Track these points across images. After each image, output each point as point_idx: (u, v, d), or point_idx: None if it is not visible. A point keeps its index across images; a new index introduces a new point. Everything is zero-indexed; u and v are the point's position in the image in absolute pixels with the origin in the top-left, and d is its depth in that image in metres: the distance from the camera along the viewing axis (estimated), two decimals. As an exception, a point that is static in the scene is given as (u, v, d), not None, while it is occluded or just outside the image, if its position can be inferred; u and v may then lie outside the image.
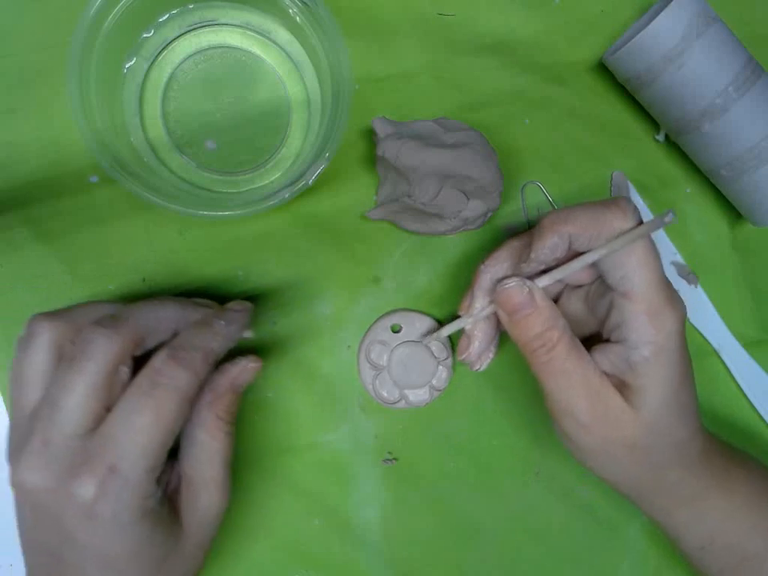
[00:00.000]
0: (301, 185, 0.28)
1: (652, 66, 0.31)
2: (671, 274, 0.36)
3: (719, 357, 0.36)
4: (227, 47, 0.32)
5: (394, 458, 0.34)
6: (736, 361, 0.36)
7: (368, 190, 0.34)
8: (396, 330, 0.34)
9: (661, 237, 0.36)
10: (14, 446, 0.25)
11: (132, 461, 0.22)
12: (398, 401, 0.33)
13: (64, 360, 0.24)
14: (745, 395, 0.36)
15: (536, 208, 0.35)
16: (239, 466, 0.33)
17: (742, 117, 0.31)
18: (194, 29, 0.31)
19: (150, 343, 0.25)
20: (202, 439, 0.26)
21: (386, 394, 0.33)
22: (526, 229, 0.35)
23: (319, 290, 0.33)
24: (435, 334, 0.31)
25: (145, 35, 0.31)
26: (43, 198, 0.32)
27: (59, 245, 0.32)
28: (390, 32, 0.34)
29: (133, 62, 0.31)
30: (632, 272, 0.24)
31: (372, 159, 0.33)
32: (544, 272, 0.26)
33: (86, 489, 0.22)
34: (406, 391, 0.33)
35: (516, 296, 0.26)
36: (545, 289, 0.26)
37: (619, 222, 0.24)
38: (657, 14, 0.32)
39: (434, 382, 0.33)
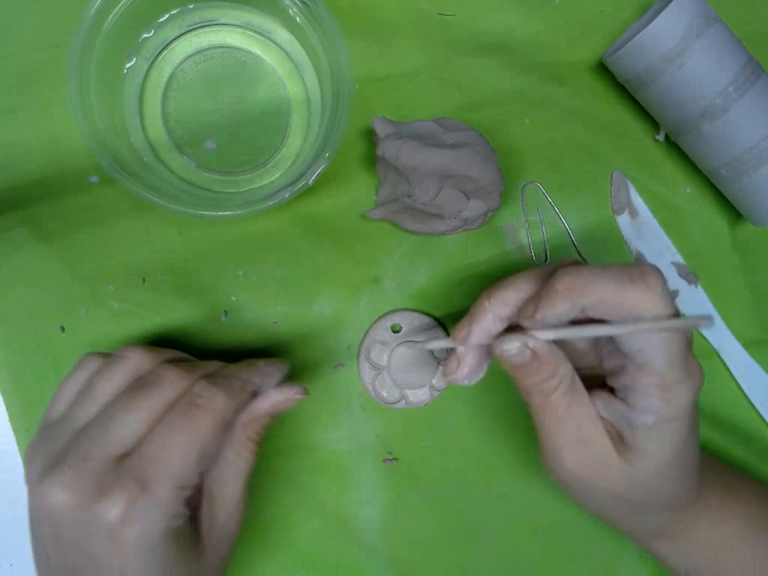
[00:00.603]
0: (301, 185, 0.28)
1: (652, 66, 0.31)
2: (671, 274, 0.36)
3: (719, 357, 0.36)
4: (227, 47, 0.32)
5: (394, 458, 0.34)
6: (736, 361, 0.36)
7: (368, 190, 0.34)
8: (396, 330, 0.34)
9: (661, 237, 0.36)
10: (45, 455, 0.24)
11: (163, 479, 0.22)
12: (398, 401, 0.33)
13: (131, 387, 0.24)
14: (745, 395, 0.36)
15: (536, 208, 0.35)
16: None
17: (742, 117, 0.31)
18: (194, 29, 0.31)
19: None
20: (228, 457, 0.26)
21: (385, 394, 0.33)
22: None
23: (319, 290, 0.33)
24: (425, 343, 0.30)
25: (145, 35, 0.31)
26: (43, 197, 0.32)
27: (59, 245, 0.32)
28: (390, 32, 0.34)
29: (133, 62, 0.31)
30: (652, 348, 0.22)
31: (372, 159, 0.33)
32: None
33: (114, 508, 0.22)
34: (406, 391, 0.33)
35: (518, 358, 0.24)
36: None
37: (645, 303, 0.21)
38: (657, 14, 0.32)
39: (433, 382, 0.33)
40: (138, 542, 0.22)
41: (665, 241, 0.36)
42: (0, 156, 0.31)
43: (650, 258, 0.36)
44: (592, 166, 0.36)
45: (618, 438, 0.25)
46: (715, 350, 0.36)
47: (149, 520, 0.22)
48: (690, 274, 0.36)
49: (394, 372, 0.33)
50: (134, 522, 0.22)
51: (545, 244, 0.35)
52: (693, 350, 0.24)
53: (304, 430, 0.33)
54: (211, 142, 0.32)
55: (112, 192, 0.32)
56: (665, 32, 0.30)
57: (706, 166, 0.34)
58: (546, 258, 0.35)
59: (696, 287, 0.36)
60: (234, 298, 0.33)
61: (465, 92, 0.35)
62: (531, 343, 0.24)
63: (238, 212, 0.28)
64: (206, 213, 0.28)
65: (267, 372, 0.27)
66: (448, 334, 0.34)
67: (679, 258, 0.36)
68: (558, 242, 0.35)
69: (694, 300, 0.36)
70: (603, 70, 0.35)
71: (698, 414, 0.25)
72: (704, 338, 0.36)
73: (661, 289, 0.22)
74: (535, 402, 0.25)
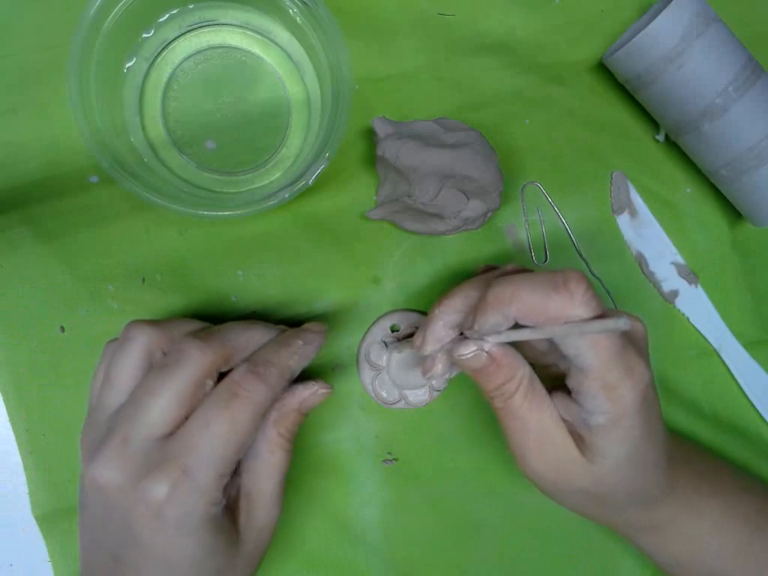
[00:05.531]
0: (301, 185, 0.28)
1: (652, 66, 0.31)
2: (671, 274, 0.36)
3: (719, 357, 0.36)
4: (227, 47, 0.32)
5: (394, 458, 0.34)
6: (736, 361, 0.36)
7: (368, 190, 0.34)
8: (396, 330, 0.34)
9: (661, 237, 0.36)
10: (89, 444, 0.25)
11: (205, 466, 0.23)
12: (398, 401, 0.33)
13: (155, 367, 0.25)
14: (745, 395, 0.36)
15: (536, 208, 0.35)
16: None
17: (742, 117, 0.31)
18: (194, 29, 0.31)
19: (236, 360, 0.26)
20: (262, 455, 0.26)
21: (385, 395, 0.33)
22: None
23: (319, 290, 0.33)
24: (395, 351, 0.32)
25: (145, 35, 0.31)
26: (43, 198, 0.32)
27: (59, 245, 0.32)
28: (390, 32, 0.34)
29: (133, 62, 0.31)
30: (584, 351, 0.23)
31: (372, 159, 0.33)
32: None
33: (159, 488, 0.22)
34: (406, 391, 0.33)
35: (475, 362, 0.25)
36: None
37: (566, 309, 0.22)
38: (657, 13, 0.32)
39: (433, 382, 0.33)
40: (180, 524, 0.23)
41: (665, 241, 0.36)
42: (0, 156, 0.31)
43: (650, 257, 0.36)
44: (592, 165, 0.36)
45: (579, 438, 0.25)
46: (715, 350, 0.36)
47: (190, 503, 0.23)
48: (690, 274, 0.36)
49: (393, 372, 0.33)
50: (177, 504, 0.22)
51: (545, 244, 0.35)
52: (642, 349, 0.25)
53: (304, 430, 0.33)
54: (211, 141, 0.32)
55: (112, 192, 0.32)
56: (665, 32, 0.30)
57: (706, 166, 0.34)
58: (546, 258, 0.35)
59: (696, 287, 0.36)
60: (234, 298, 0.33)
61: (465, 92, 0.35)
62: (486, 347, 0.24)
63: (238, 212, 0.28)
64: (206, 213, 0.28)
65: (304, 354, 0.27)
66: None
67: (679, 258, 0.36)
68: (558, 242, 0.35)
69: (694, 300, 0.36)
70: (603, 69, 0.35)
71: (655, 411, 0.26)
72: (704, 337, 0.36)
73: (582, 294, 0.22)
74: (497, 405, 0.26)
